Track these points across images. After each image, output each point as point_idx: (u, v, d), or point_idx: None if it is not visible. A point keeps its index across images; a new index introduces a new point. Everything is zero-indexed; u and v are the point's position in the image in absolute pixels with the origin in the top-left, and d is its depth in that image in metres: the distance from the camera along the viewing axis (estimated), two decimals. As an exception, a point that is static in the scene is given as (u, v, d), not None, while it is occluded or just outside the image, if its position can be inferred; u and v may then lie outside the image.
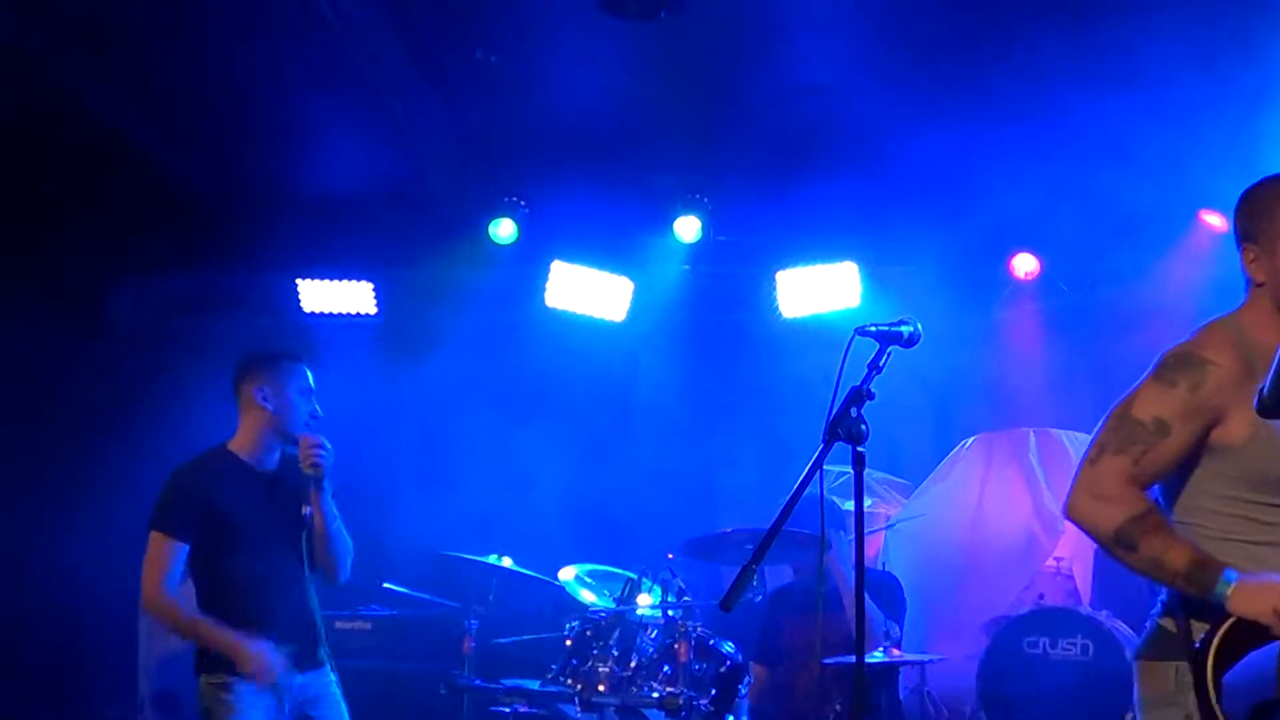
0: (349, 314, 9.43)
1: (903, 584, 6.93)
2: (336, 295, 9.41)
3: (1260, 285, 3.47)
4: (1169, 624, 3.43)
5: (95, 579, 8.42)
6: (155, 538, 5.13)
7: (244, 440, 5.34)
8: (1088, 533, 3.46)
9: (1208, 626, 3.31)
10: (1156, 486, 3.52)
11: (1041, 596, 7.62)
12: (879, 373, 3.72)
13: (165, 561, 5.09)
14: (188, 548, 5.13)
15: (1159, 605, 3.49)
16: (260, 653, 5.02)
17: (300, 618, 5.23)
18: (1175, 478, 3.48)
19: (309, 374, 5.38)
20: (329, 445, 5.21)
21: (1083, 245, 8.78)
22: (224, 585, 5.17)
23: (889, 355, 3.75)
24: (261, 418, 5.29)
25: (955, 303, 8.63)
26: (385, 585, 7.56)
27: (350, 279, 9.39)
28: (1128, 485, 3.40)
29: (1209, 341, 3.46)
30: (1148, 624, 3.53)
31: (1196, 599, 3.32)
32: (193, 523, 5.13)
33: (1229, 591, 3.25)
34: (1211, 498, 3.44)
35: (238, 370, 5.41)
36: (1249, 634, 3.26)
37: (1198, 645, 3.31)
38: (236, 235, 9.16)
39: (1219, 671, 3.26)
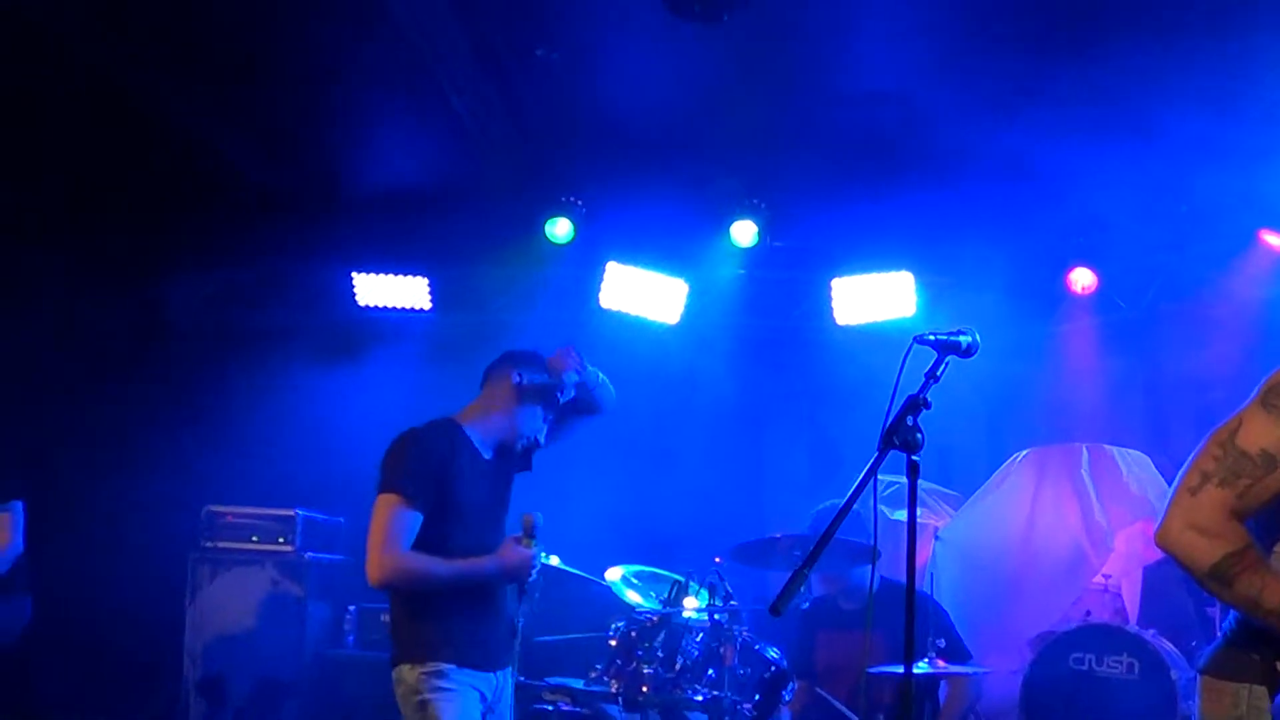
0: (403, 308, 9.49)
1: (943, 602, 6.94)
2: (392, 290, 9.46)
3: None
4: (1250, 655, 3.32)
5: (140, 570, 8.51)
6: (388, 500, 4.77)
7: (475, 415, 5.15)
8: (1181, 564, 3.30)
9: None
10: None
11: (1088, 613, 7.55)
12: (936, 382, 3.67)
13: (398, 526, 4.74)
14: (422, 518, 4.80)
15: (1233, 632, 3.38)
16: (509, 547, 4.94)
17: (501, 614, 5.09)
18: (1270, 509, 3.31)
19: (560, 400, 5.30)
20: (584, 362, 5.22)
21: (1140, 261, 8.72)
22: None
23: (947, 365, 3.71)
24: (508, 398, 5.16)
25: (1011, 315, 8.57)
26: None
27: (406, 274, 9.45)
28: (1228, 519, 3.24)
29: None
30: (1217, 643, 3.42)
31: None
32: (430, 492, 4.82)
33: None
34: None
35: (506, 355, 5.31)
36: None
37: None
38: (294, 228, 9.24)
39: None
